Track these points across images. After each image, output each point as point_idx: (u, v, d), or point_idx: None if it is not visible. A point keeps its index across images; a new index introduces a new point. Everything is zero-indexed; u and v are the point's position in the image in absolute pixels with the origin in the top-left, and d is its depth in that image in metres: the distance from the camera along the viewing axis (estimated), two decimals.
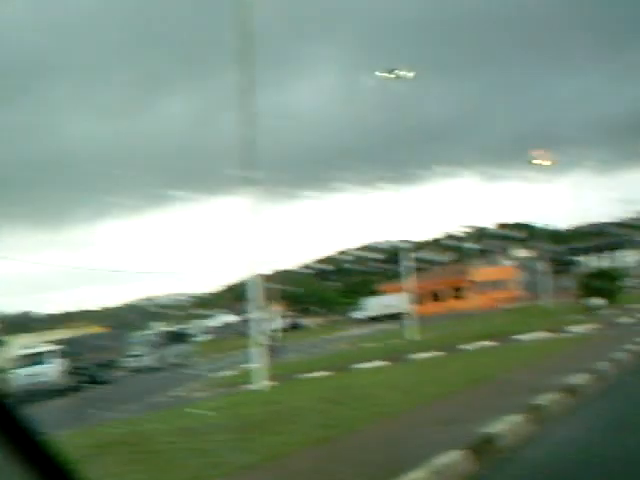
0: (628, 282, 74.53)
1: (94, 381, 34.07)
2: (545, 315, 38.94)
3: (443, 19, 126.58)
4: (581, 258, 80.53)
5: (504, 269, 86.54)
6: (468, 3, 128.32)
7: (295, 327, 70.78)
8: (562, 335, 23.25)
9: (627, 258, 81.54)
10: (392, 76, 38.53)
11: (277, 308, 55.32)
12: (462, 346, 23.76)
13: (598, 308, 36.55)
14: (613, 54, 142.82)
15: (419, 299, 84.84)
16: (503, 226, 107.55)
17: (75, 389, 32.60)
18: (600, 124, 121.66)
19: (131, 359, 40.14)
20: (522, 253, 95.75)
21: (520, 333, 25.51)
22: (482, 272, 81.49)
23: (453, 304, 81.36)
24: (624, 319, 27.58)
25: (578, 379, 11.60)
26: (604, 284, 38.34)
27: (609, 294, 39.18)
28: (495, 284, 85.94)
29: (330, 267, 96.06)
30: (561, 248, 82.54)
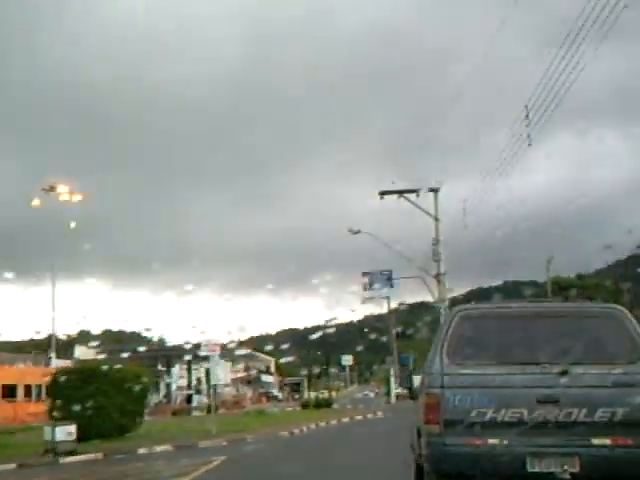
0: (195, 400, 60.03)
1: None
2: None
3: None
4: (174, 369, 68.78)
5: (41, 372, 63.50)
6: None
7: None
8: None
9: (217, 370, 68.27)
10: None
11: None
12: None
13: (67, 451, 17.44)
14: (235, 183, 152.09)
15: None
16: (106, 332, 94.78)
17: None
18: (226, 247, 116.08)
19: None
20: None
21: None
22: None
23: None
24: None
25: None
26: (98, 398, 19.13)
27: (109, 418, 20.01)
28: (30, 391, 62.97)
29: None
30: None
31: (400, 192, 26.83)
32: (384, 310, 68.29)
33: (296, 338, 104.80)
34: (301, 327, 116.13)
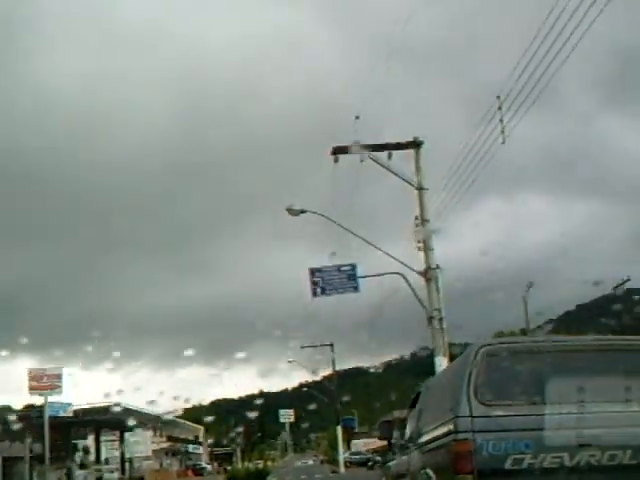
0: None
1: None
2: None
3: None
4: (87, 440, 61.34)
5: None
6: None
7: None
8: None
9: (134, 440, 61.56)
10: None
11: None
12: None
13: None
14: (180, 250, 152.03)
15: None
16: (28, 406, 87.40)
17: None
18: (159, 318, 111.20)
19: None
20: None
21: None
22: None
23: None
24: None
25: None
26: None
27: None
28: None
29: None
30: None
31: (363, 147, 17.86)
32: (318, 377, 65.47)
33: (230, 408, 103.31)
34: (235, 397, 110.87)
